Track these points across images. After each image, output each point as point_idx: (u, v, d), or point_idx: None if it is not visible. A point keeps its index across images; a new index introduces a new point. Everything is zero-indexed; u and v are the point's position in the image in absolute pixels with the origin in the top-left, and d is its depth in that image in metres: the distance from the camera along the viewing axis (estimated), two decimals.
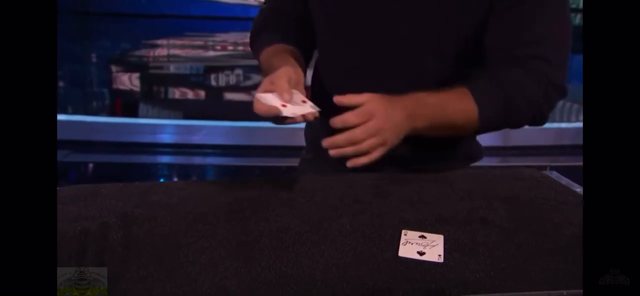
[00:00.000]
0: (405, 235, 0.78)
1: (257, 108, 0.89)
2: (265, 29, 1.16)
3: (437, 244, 0.76)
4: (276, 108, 0.88)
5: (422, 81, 0.99)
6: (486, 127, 0.99)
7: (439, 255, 0.74)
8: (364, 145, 0.87)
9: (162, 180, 3.22)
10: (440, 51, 1.01)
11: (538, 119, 1.00)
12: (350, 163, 0.88)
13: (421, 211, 0.87)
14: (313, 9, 1.10)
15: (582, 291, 0.65)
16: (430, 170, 1.03)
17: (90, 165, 3.35)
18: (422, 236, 0.78)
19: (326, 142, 0.88)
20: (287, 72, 0.92)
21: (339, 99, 0.89)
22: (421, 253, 0.74)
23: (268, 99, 0.89)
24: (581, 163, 0.67)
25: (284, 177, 1.01)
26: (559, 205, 0.91)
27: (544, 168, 1.13)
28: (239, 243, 0.76)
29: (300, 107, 0.90)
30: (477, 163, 1.21)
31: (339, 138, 0.87)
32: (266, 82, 0.91)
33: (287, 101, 0.89)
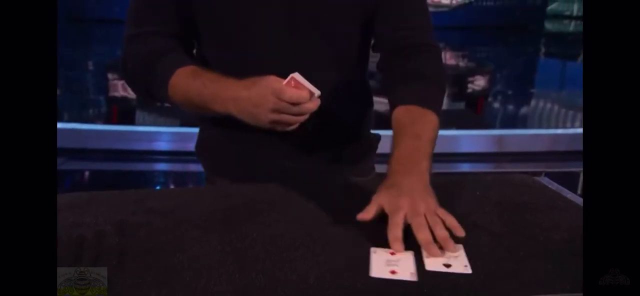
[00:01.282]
0: (374, 252, 0.76)
1: (291, 93, 0.85)
2: (162, 56, 1.05)
3: (409, 261, 0.74)
4: (310, 93, 0.86)
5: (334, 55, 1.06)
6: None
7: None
8: (422, 227, 0.79)
9: (158, 187, 3.22)
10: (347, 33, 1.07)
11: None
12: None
13: None
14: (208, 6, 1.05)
15: (569, 295, 0.67)
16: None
17: (87, 173, 3.35)
18: (393, 253, 0.75)
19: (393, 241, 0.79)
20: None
21: (363, 217, 0.83)
22: (393, 273, 0.72)
23: (306, 83, 0.86)
24: (576, 169, 0.67)
25: (279, 183, 1.02)
26: (548, 210, 0.92)
27: (539, 174, 1.14)
28: (233, 249, 0.77)
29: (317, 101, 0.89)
30: (470, 169, 1.22)
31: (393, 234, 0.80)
32: (273, 79, 0.88)
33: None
